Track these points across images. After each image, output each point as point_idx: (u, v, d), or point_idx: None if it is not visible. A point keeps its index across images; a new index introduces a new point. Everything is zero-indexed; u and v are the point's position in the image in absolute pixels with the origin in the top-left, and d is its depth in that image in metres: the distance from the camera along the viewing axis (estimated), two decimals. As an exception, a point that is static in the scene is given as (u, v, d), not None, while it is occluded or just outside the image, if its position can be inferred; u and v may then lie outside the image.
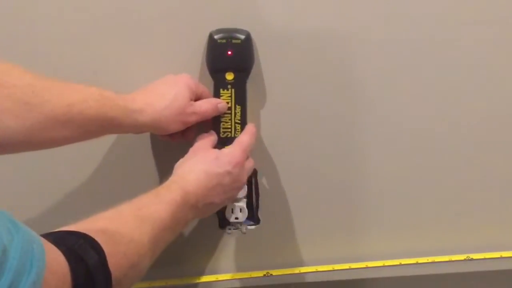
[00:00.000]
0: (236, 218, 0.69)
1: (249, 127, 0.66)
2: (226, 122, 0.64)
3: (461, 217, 0.79)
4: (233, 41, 0.63)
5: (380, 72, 0.70)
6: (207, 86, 0.65)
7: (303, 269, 0.76)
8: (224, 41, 0.63)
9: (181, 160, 0.60)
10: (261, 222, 0.71)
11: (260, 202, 0.71)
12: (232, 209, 0.68)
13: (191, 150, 0.61)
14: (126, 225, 0.48)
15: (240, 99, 0.65)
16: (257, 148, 0.69)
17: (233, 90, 0.65)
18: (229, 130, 0.65)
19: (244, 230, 0.70)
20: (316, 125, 0.72)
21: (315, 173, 0.74)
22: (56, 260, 0.36)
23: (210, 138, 0.64)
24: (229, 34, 0.63)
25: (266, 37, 0.66)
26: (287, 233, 0.78)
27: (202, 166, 0.58)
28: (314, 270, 0.75)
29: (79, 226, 0.44)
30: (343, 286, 0.79)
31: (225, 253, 0.77)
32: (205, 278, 0.76)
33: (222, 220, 0.70)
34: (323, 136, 0.72)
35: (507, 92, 0.73)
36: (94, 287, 0.39)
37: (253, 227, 0.71)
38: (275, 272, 0.76)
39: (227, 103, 0.64)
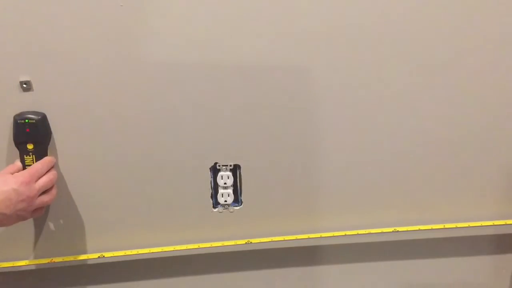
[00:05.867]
0: (225, 201, 0.88)
1: (46, 158, 0.77)
2: (29, 165, 0.76)
3: (389, 201, 0.91)
4: (30, 121, 0.75)
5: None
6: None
7: (276, 238, 0.89)
8: (22, 121, 0.75)
9: None
10: (243, 204, 0.88)
11: (242, 189, 0.88)
12: (222, 194, 0.87)
13: None
14: None
15: (41, 158, 0.77)
16: (241, 150, 0.84)
17: (34, 156, 0.76)
18: None
19: (231, 210, 0.88)
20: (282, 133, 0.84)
21: (284, 170, 0.87)
22: None
23: (11, 167, 0.76)
24: (27, 116, 0.75)
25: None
26: (266, 212, 0.90)
27: None
28: (282, 239, 0.90)
29: None
30: (304, 251, 0.93)
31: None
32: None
33: (215, 202, 0.88)
34: (287, 141, 0.85)
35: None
36: None
37: (237, 207, 0.88)
38: (254, 240, 0.91)
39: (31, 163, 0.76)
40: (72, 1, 0.73)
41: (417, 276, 1.00)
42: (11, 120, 0.76)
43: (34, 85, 0.76)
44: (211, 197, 0.87)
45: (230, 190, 0.87)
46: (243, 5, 0.76)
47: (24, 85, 0.76)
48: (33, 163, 0.77)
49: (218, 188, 0.87)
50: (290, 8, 0.77)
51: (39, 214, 0.79)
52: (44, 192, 0.76)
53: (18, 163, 0.77)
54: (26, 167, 0.76)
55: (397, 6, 0.79)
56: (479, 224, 0.93)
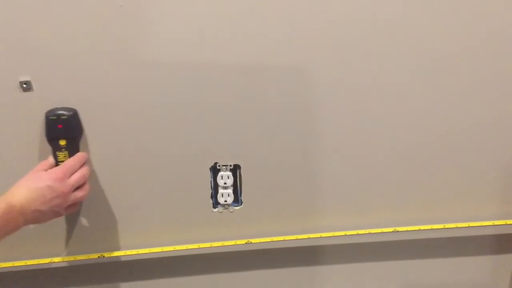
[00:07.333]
0: (225, 201, 0.88)
1: (78, 154, 0.78)
2: (62, 161, 0.77)
3: (389, 201, 0.91)
4: (62, 117, 0.75)
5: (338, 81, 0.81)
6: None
7: (276, 238, 0.90)
8: (54, 117, 0.75)
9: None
10: (243, 204, 0.89)
11: (242, 189, 0.88)
12: (222, 194, 0.87)
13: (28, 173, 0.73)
14: None
15: (73, 154, 0.77)
16: (241, 150, 0.84)
17: (66, 152, 0.77)
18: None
19: (231, 210, 0.89)
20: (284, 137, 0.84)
21: (284, 170, 0.87)
22: None
23: (44, 163, 0.76)
24: (58, 112, 0.75)
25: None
26: (266, 212, 0.90)
27: (26, 182, 0.70)
28: (282, 239, 0.90)
29: None
30: (303, 251, 0.93)
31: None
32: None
33: (215, 202, 0.88)
34: (289, 144, 0.85)
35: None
36: None
37: (237, 207, 0.89)
38: (252, 239, 0.91)
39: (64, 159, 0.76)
40: (72, 1, 0.73)
41: (417, 276, 1.00)
42: (11, 120, 0.76)
43: (34, 85, 0.76)
44: (211, 197, 0.88)
45: (230, 190, 0.88)
46: (243, 5, 0.76)
47: (24, 85, 0.76)
48: (66, 159, 0.77)
49: (218, 188, 0.87)
50: (290, 8, 0.77)
51: (73, 210, 0.79)
52: (77, 188, 0.76)
53: (51, 159, 0.77)
54: (59, 163, 0.76)
55: (397, 6, 0.79)
56: (479, 224, 0.93)
